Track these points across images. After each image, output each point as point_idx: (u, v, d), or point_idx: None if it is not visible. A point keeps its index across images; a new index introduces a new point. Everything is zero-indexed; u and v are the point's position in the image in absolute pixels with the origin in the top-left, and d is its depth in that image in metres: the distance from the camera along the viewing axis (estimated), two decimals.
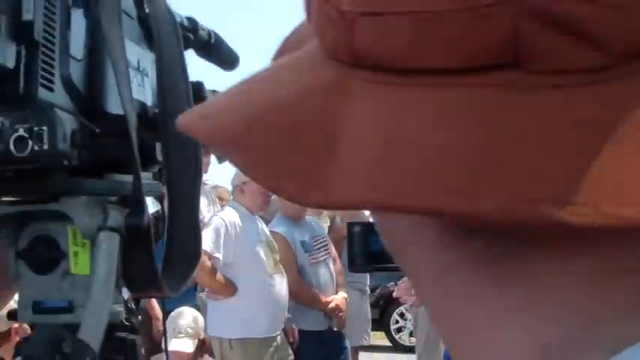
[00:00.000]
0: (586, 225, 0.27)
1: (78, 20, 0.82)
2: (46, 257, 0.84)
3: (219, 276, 3.94)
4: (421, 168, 0.29)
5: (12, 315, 0.88)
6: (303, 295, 4.41)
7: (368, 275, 5.87)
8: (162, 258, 0.90)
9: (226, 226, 3.94)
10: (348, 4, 0.33)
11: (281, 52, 0.45)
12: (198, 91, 1.04)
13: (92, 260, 0.82)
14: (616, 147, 0.28)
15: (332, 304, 4.56)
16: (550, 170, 0.28)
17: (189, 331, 3.65)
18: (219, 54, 1.17)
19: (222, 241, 3.87)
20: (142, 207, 0.82)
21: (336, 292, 4.70)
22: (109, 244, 0.80)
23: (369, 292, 5.98)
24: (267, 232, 4.27)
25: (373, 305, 7.19)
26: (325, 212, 5.79)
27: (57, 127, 0.73)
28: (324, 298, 4.56)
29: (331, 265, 4.77)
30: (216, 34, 1.14)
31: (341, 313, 4.67)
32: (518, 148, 0.28)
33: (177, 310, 3.84)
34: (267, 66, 0.43)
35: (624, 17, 0.28)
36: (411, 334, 10.22)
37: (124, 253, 0.83)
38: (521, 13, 0.28)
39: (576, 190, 0.27)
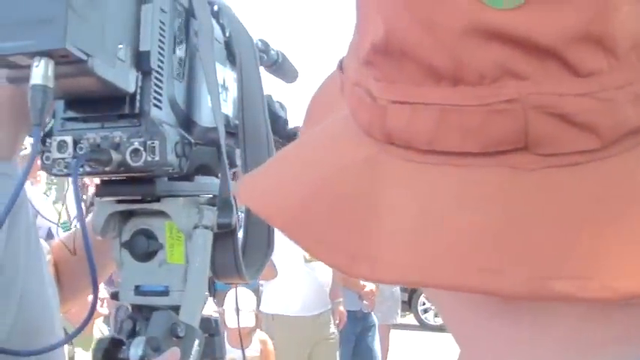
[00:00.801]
0: (595, 299, 0.30)
1: (180, 47, 0.95)
2: (146, 248, 0.97)
3: None
4: (450, 247, 0.33)
5: (114, 296, 1.01)
6: (348, 278, 4.71)
7: None
8: (241, 248, 1.02)
9: None
10: (379, 91, 0.37)
11: (311, 114, 0.54)
12: (268, 104, 1.17)
13: (187, 252, 0.95)
14: (616, 221, 0.31)
15: (367, 289, 4.86)
16: (560, 247, 0.31)
17: (249, 308, 3.90)
18: (285, 71, 1.30)
19: None
20: (230, 208, 0.95)
21: None
22: (205, 240, 0.93)
23: None
24: None
25: (402, 288, 7.34)
26: None
27: (166, 142, 0.85)
28: (361, 283, 4.89)
29: None
30: (282, 53, 1.28)
31: (373, 297, 5.08)
32: (532, 226, 0.32)
33: (232, 291, 4.08)
34: (306, 133, 0.51)
35: (614, 108, 0.32)
36: (436, 315, 10.53)
37: (213, 246, 0.96)
38: (530, 108, 0.32)
39: (585, 265, 0.30)
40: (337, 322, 4.65)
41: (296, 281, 4.31)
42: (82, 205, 0.87)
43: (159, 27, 0.88)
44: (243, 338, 3.82)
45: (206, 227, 0.94)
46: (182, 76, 0.94)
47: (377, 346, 5.35)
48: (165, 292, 0.97)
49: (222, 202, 0.95)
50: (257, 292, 4.57)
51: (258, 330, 4.04)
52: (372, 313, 5.30)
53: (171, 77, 0.91)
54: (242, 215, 1.05)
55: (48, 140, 0.87)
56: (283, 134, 1.23)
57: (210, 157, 1.00)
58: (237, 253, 0.98)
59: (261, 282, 4.50)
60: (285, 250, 4.27)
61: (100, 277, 1.07)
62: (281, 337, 4.23)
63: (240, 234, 1.03)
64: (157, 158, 0.85)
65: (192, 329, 0.90)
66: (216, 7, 1.08)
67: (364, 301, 5.06)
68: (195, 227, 0.94)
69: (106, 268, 1.12)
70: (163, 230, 0.97)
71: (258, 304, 4.36)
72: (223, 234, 0.96)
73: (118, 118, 0.86)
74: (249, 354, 3.90)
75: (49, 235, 2.30)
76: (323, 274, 4.42)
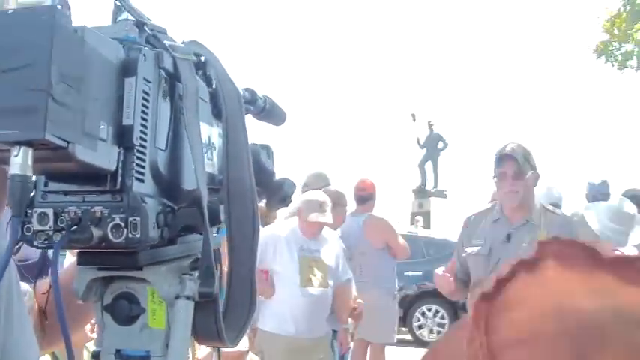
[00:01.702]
0: None
1: (164, 114, 0.95)
2: (128, 311, 0.97)
3: (259, 278, 4.26)
4: None
5: (96, 356, 1.02)
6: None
7: (397, 280, 6.13)
8: (223, 309, 1.02)
9: (268, 238, 4.26)
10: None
11: None
12: (255, 155, 1.17)
13: (169, 321, 0.95)
14: None
15: (358, 310, 4.87)
16: None
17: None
18: (272, 116, 1.31)
19: (259, 249, 4.17)
20: (212, 276, 0.95)
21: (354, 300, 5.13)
22: (186, 311, 0.94)
23: (398, 296, 6.23)
24: (322, 250, 4.50)
25: (398, 305, 7.38)
26: None
27: (148, 218, 0.86)
28: (353, 304, 4.97)
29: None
30: (270, 99, 1.28)
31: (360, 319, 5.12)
32: None
33: None
34: None
35: None
36: (431, 331, 10.62)
37: (194, 312, 0.96)
38: None
39: None
40: (339, 344, 4.68)
41: (290, 303, 4.32)
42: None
43: (142, 98, 0.88)
44: None
45: (187, 297, 0.94)
46: (166, 145, 0.95)
47: None
48: (146, 357, 0.97)
49: (204, 270, 0.96)
50: None
51: (250, 352, 4.05)
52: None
53: (154, 147, 0.91)
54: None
55: (29, 211, 0.87)
56: (269, 187, 1.23)
57: (194, 218, 1.00)
58: (219, 319, 0.98)
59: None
60: (282, 271, 4.32)
61: (83, 322, 1.07)
62: (271, 353, 4.32)
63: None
64: (138, 235, 0.85)
65: None
66: (203, 59, 1.09)
67: (350, 321, 5.07)
68: (177, 297, 0.94)
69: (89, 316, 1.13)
70: (145, 294, 0.98)
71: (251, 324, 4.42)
72: (205, 300, 0.97)
73: (99, 193, 0.87)
74: None
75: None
76: (320, 300, 4.42)
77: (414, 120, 22.67)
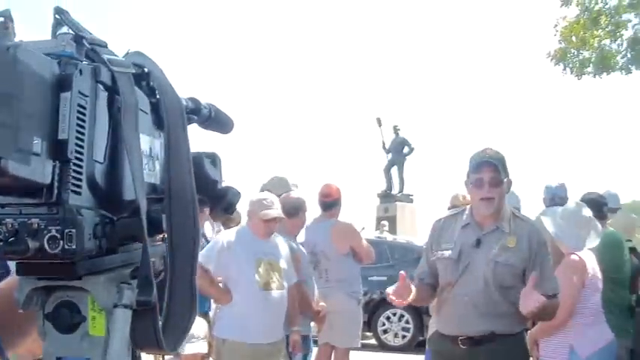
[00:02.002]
0: None
1: (101, 128, 0.97)
2: (69, 320, 0.99)
3: (215, 284, 4.27)
4: None
5: None
6: (304, 303, 4.79)
7: (361, 285, 6.21)
8: (163, 316, 1.04)
9: (223, 243, 4.26)
10: None
11: None
12: (198, 164, 1.20)
13: (108, 328, 0.98)
14: None
15: (322, 313, 4.91)
16: None
17: (201, 334, 3.93)
18: (218, 124, 1.33)
19: (214, 255, 4.21)
20: (150, 285, 0.98)
21: (317, 303, 5.16)
22: (123, 319, 0.96)
23: (362, 301, 6.29)
24: (276, 252, 4.54)
25: (363, 309, 7.43)
26: None
27: (84, 229, 0.88)
28: (316, 307, 5.17)
29: (313, 279, 5.40)
30: (215, 107, 1.31)
31: (324, 321, 5.30)
32: None
33: None
34: None
35: None
36: (395, 335, 10.71)
37: (133, 320, 0.98)
38: None
39: None
40: (291, 349, 4.67)
41: (251, 308, 4.30)
42: None
43: (78, 112, 0.90)
44: None
45: (125, 306, 0.96)
46: (104, 158, 0.97)
47: None
48: None
49: (142, 280, 0.98)
50: (206, 317, 4.60)
51: (211, 359, 4.05)
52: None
53: (91, 160, 0.93)
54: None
55: None
56: (212, 195, 1.25)
57: (134, 228, 1.02)
58: (157, 327, 1.00)
59: (213, 306, 4.52)
60: (240, 275, 4.32)
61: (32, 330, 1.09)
62: None
63: None
64: (73, 246, 0.88)
65: None
66: (146, 69, 1.11)
67: (315, 325, 5.12)
68: (115, 306, 0.96)
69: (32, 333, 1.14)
70: (86, 303, 1.00)
71: (210, 330, 4.39)
72: (143, 309, 0.99)
73: (36, 205, 0.88)
74: None
75: None
76: (279, 302, 4.45)
77: (380, 124, 22.79)
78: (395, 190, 22.67)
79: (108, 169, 0.98)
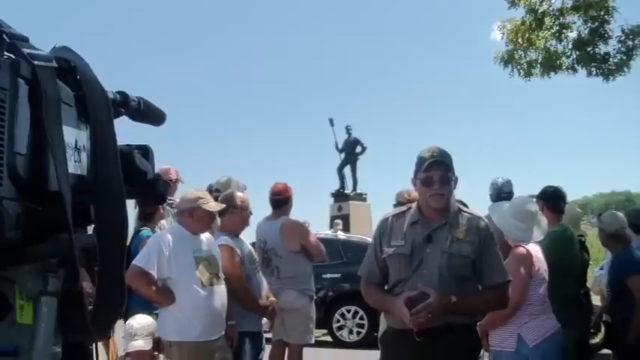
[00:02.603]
0: None
1: (23, 120, 0.98)
2: None
3: (156, 287, 4.23)
4: None
5: None
6: (247, 299, 4.73)
7: (313, 282, 6.22)
8: (93, 305, 1.07)
9: (160, 245, 4.23)
10: None
11: None
12: (127, 156, 1.22)
13: (35, 316, 0.99)
14: None
15: (270, 308, 4.90)
16: None
17: (144, 332, 3.88)
18: (149, 116, 1.36)
19: (155, 259, 4.19)
20: (76, 273, 1.00)
21: (267, 299, 5.10)
22: (49, 307, 0.98)
23: (315, 298, 6.31)
24: (211, 247, 4.54)
25: (317, 306, 7.46)
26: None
27: (5, 219, 0.90)
28: (263, 303, 5.03)
29: (261, 275, 5.27)
30: (144, 100, 1.33)
31: (274, 317, 5.18)
32: None
33: (132, 317, 4.07)
34: None
35: None
36: (350, 332, 10.81)
37: (60, 308, 1.00)
38: None
39: None
40: (230, 343, 4.64)
41: (195, 306, 4.28)
42: None
43: None
44: None
45: (51, 294, 0.98)
46: (26, 149, 0.98)
47: None
48: (14, 353, 1.01)
49: (68, 268, 1.00)
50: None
51: (162, 357, 4.02)
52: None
53: (12, 152, 0.95)
54: None
55: None
56: (141, 186, 1.27)
57: (61, 221, 1.04)
58: (84, 315, 1.03)
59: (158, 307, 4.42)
60: (182, 275, 4.30)
61: None
62: None
63: None
64: None
65: None
66: (72, 64, 1.13)
67: (267, 321, 5.10)
68: (41, 294, 0.98)
69: None
70: (14, 292, 1.02)
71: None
72: (70, 297, 1.01)
73: None
74: None
75: None
76: (221, 297, 4.44)
77: (332, 124, 22.93)
78: (348, 189, 22.80)
79: (30, 161, 0.99)
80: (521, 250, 4.20)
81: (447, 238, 3.46)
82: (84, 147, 1.13)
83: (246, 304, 4.80)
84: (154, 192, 1.27)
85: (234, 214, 5.03)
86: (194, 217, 4.44)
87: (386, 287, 3.61)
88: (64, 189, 0.99)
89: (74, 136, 1.10)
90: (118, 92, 1.26)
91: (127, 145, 1.23)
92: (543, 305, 4.22)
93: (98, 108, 1.09)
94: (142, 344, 3.84)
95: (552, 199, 5.31)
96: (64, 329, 1.02)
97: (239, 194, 5.27)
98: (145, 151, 1.31)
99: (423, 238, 3.47)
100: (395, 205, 5.08)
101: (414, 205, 3.65)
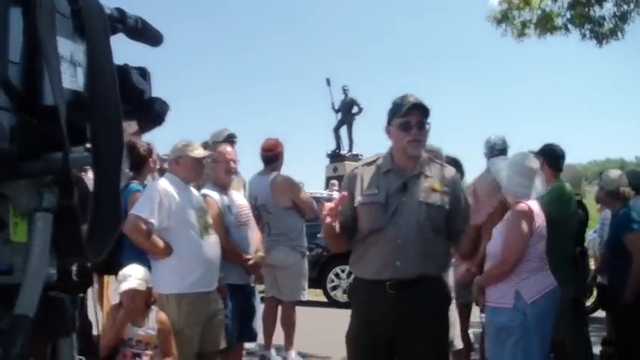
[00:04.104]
0: None
1: (16, 25, 0.94)
2: None
3: (154, 238, 4.17)
4: None
5: None
6: (228, 251, 4.67)
7: (306, 239, 6.17)
8: (88, 227, 1.03)
9: (160, 194, 4.18)
10: None
11: None
12: (124, 74, 1.18)
13: (29, 233, 0.96)
14: None
15: (251, 262, 4.86)
16: None
17: (138, 275, 3.84)
18: (146, 36, 1.31)
19: (156, 208, 4.13)
20: (71, 188, 0.96)
21: (255, 253, 5.03)
22: (44, 223, 0.95)
23: (307, 253, 6.28)
24: (200, 199, 4.51)
25: (312, 266, 7.47)
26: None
27: None
28: (245, 256, 4.92)
29: (251, 230, 5.14)
30: (142, 19, 1.28)
31: (258, 269, 5.09)
32: None
33: (125, 268, 4.02)
34: None
35: None
36: (344, 292, 10.83)
37: (54, 226, 0.97)
38: None
39: None
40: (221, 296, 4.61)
41: (192, 254, 4.25)
42: None
43: None
44: (136, 312, 3.81)
45: (46, 210, 0.95)
46: (18, 57, 0.94)
47: (257, 324, 5.34)
48: (8, 271, 0.98)
49: (63, 183, 0.97)
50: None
51: (155, 308, 3.99)
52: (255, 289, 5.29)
53: (4, 60, 0.91)
54: None
55: None
56: (139, 105, 1.23)
57: (57, 137, 1.00)
58: (80, 235, 1.00)
59: (152, 260, 4.36)
60: (181, 225, 4.26)
61: None
62: (178, 316, 4.15)
63: None
64: None
65: (18, 321, 0.91)
66: None
67: (251, 276, 5.03)
68: (36, 210, 0.95)
69: None
70: (7, 209, 0.98)
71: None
72: (65, 213, 0.98)
73: None
74: (145, 333, 3.87)
75: None
76: (215, 248, 4.42)
77: (329, 85, 22.77)
78: (344, 150, 22.75)
79: (24, 71, 0.95)
80: (522, 206, 4.18)
81: (422, 188, 3.43)
82: (79, 62, 1.08)
83: (226, 255, 4.70)
84: (151, 111, 1.23)
85: (217, 166, 4.98)
86: (180, 165, 4.41)
87: (357, 237, 3.53)
88: (59, 102, 0.95)
89: (69, 49, 1.05)
90: (115, 8, 1.21)
91: (124, 64, 1.18)
92: (541, 262, 4.22)
93: (94, 21, 1.05)
94: (136, 284, 3.81)
95: (553, 156, 5.29)
96: (58, 248, 0.99)
97: (222, 146, 5.21)
98: (143, 72, 1.26)
99: (398, 187, 3.43)
100: None
101: (385, 154, 3.59)
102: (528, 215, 4.16)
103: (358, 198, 3.48)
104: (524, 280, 4.10)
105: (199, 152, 4.44)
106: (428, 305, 3.39)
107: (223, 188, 4.98)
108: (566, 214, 5.14)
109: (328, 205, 3.30)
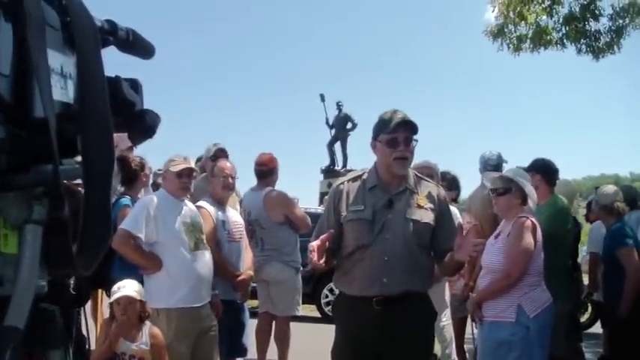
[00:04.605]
0: None
1: (5, 38, 0.94)
2: None
3: (143, 253, 4.18)
4: None
5: None
6: (217, 265, 4.69)
7: (300, 254, 6.13)
8: (78, 240, 1.03)
9: (148, 209, 4.18)
10: None
11: None
12: (115, 86, 1.17)
13: (19, 245, 0.96)
14: None
15: (239, 278, 4.88)
16: None
17: (132, 287, 3.83)
18: (138, 48, 1.31)
19: (143, 222, 4.13)
20: (61, 201, 0.96)
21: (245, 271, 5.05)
22: (34, 235, 0.94)
23: (301, 269, 6.26)
24: (195, 213, 4.51)
25: (306, 281, 7.44)
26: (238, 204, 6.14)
27: None
28: (233, 272, 4.97)
29: (243, 248, 5.20)
30: (133, 31, 1.28)
31: (246, 287, 5.12)
32: None
33: (118, 282, 4.01)
34: None
35: None
36: None
37: (44, 239, 0.97)
38: None
39: None
40: (215, 313, 4.61)
41: (182, 269, 4.25)
42: None
43: None
44: (129, 325, 3.79)
45: (36, 222, 0.95)
46: (8, 70, 0.94)
47: (247, 340, 5.37)
48: None
49: (53, 196, 0.97)
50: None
51: (148, 323, 3.97)
52: (245, 306, 5.30)
53: None
54: None
55: None
56: (129, 116, 1.22)
57: (44, 145, 0.99)
58: (69, 245, 0.99)
59: (144, 275, 4.35)
60: (170, 240, 4.25)
61: None
62: (168, 330, 4.15)
63: None
64: None
65: (7, 334, 0.90)
66: None
67: (238, 292, 5.03)
68: (26, 222, 0.95)
69: None
70: None
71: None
72: (55, 226, 0.98)
73: None
74: (138, 348, 3.85)
75: None
76: (207, 263, 4.41)
77: (323, 100, 22.84)
78: (338, 166, 22.76)
79: (14, 83, 0.95)
80: (527, 220, 4.18)
81: (408, 204, 3.43)
82: (70, 75, 1.08)
83: (215, 269, 4.69)
84: (142, 123, 1.22)
85: (213, 180, 5.01)
86: (166, 179, 4.43)
87: (343, 253, 3.50)
88: (50, 114, 0.95)
89: (60, 61, 1.05)
90: (106, 20, 1.21)
91: (115, 75, 1.18)
92: (540, 277, 4.23)
93: (85, 33, 1.05)
94: (130, 293, 3.80)
95: (548, 171, 5.30)
96: (48, 260, 0.99)
97: (221, 161, 5.23)
98: (134, 84, 1.26)
99: (384, 203, 3.43)
100: None
101: (369, 170, 3.59)
102: (533, 230, 4.17)
103: (343, 214, 3.46)
104: (525, 294, 4.10)
105: (179, 166, 4.43)
106: (413, 321, 3.39)
107: (220, 203, 5.00)
108: (564, 228, 5.16)
109: (315, 243, 3.24)
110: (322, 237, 3.28)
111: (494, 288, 4.18)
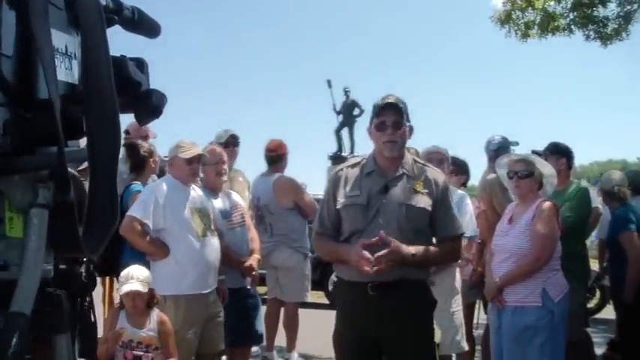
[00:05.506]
0: None
1: (8, 18, 0.92)
2: None
3: (150, 239, 4.16)
4: None
5: None
6: (227, 255, 4.64)
7: (308, 240, 6.10)
8: (84, 222, 1.01)
9: (156, 195, 4.16)
10: None
11: None
12: (120, 66, 1.15)
13: (25, 229, 0.95)
14: None
15: (246, 264, 4.81)
16: None
17: (140, 277, 3.80)
18: (143, 27, 1.29)
19: (151, 209, 4.11)
20: (67, 183, 0.95)
21: (251, 255, 4.94)
22: (40, 219, 0.93)
23: (310, 255, 6.24)
24: (203, 199, 4.47)
25: (313, 268, 7.44)
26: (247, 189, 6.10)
27: None
28: (239, 259, 4.85)
29: (246, 231, 5.06)
30: (139, 10, 1.26)
31: (254, 273, 4.94)
32: None
33: (127, 268, 4.00)
34: None
35: None
36: None
37: (50, 222, 0.95)
38: None
39: None
40: (221, 299, 4.58)
41: (189, 256, 4.23)
42: None
43: None
44: (137, 314, 3.78)
45: (41, 205, 0.93)
46: (11, 51, 0.92)
47: (261, 326, 5.29)
48: (4, 267, 0.97)
49: (58, 179, 0.95)
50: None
51: (156, 309, 3.96)
52: (256, 291, 5.21)
53: None
54: None
55: None
56: (135, 98, 1.20)
57: (52, 130, 0.98)
58: (76, 229, 0.98)
59: (151, 261, 4.32)
60: (179, 226, 4.23)
61: None
62: (175, 317, 4.12)
63: None
64: None
65: (13, 319, 0.89)
66: None
67: (247, 278, 4.95)
68: (31, 205, 0.94)
69: None
70: (3, 205, 0.97)
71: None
72: (61, 209, 0.96)
73: None
74: (146, 335, 3.85)
75: None
76: (215, 249, 4.38)
77: (330, 86, 22.73)
78: (346, 152, 22.70)
79: (17, 64, 0.94)
80: (550, 204, 4.14)
81: (403, 189, 3.39)
82: (75, 54, 1.07)
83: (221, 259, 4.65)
84: (148, 103, 1.20)
85: (205, 169, 4.87)
86: (173, 166, 4.39)
87: (340, 239, 3.46)
88: (54, 95, 0.93)
89: (64, 41, 1.03)
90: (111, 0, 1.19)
91: (121, 55, 1.16)
92: (559, 261, 4.19)
93: (89, 13, 1.03)
94: (138, 286, 3.78)
95: (571, 155, 5.21)
96: (54, 243, 0.97)
97: (212, 148, 5.11)
98: (140, 63, 1.24)
99: (380, 189, 3.39)
100: None
101: (368, 155, 3.57)
102: (556, 213, 4.14)
103: (340, 200, 3.44)
104: (549, 278, 4.06)
105: (189, 153, 4.38)
106: (410, 308, 3.34)
107: (213, 191, 4.90)
108: (587, 215, 5.12)
109: (364, 254, 3.20)
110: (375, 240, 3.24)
111: (522, 271, 4.07)
